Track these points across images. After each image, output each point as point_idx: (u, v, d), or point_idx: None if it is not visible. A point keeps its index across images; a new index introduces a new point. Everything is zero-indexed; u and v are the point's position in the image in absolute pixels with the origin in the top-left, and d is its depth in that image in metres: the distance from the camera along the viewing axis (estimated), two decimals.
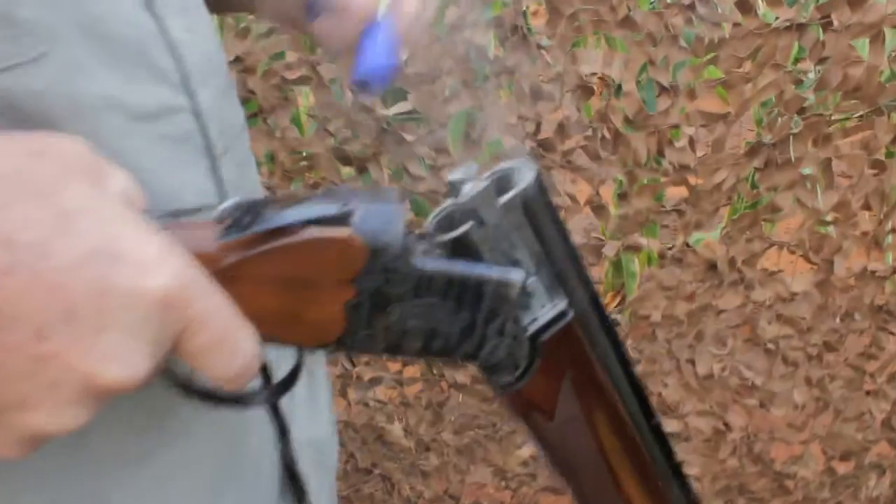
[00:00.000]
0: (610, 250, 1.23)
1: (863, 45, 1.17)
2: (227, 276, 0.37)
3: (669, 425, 1.42)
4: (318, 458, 0.63)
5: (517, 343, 0.42)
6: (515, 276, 0.40)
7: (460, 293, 0.40)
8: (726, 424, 1.42)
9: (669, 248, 1.26)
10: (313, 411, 0.61)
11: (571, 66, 1.12)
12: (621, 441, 0.48)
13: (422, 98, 1.15)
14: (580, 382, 0.46)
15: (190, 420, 0.49)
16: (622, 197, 1.21)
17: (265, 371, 0.48)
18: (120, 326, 0.32)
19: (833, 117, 1.14)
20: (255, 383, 0.41)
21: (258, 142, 1.19)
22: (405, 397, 1.47)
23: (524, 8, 1.11)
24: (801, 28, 1.08)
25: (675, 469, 0.51)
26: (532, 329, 0.42)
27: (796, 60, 1.13)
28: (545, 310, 0.43)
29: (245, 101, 1.19)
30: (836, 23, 1.08)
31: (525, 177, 0.41)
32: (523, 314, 0.42)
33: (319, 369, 0.66)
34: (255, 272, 0.37)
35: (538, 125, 1.16)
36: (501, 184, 0.41)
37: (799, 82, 1.11)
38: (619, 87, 1.14)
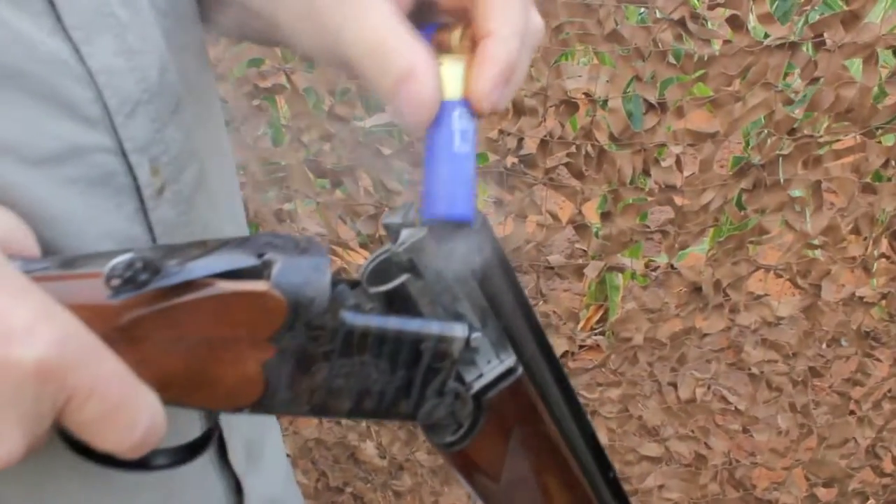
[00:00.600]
0: (592, 271, 1.19)
1: (856, 66, 1.14)
2: (124, 336, 0.33)
3: (650, 449, 1.38)
4: None
5: (460, 402, 0.39)
6: (458, 331, 0.37)
7: (395, 351, 0.36)
8: (708, 448, 1.39)
9: (653, 270, 1.22)
10: (261, 468, 0.57)
11: (556, 80, 1.08)
12: (575, 502, 0.45)
13: None
14: (529, 441, 0.42)
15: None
16: (606, 216, 1.17)
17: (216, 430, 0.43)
18: None
19: (824, 139, 1.11)
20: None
21: None
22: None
23: None
24: (793, 46, 1.04)
25: None
26: (477, 387, 0.39)
27: (786, 78, 1.09)
28: (491, 366, 0.39)
29: None
30: (829, 42, 1.04)
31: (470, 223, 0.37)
32: (467, 371, 0.39)
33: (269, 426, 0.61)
34: (158, 332, 0.33)
35: (520, 140, 1.12)
36: (441, 229, 0.36)
37: (790, 102, 1.07)
38: (605, 102, 1.11)
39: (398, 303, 0.36)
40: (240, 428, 0.53)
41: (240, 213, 0.56)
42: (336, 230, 1.24)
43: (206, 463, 0.50)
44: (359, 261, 1.28)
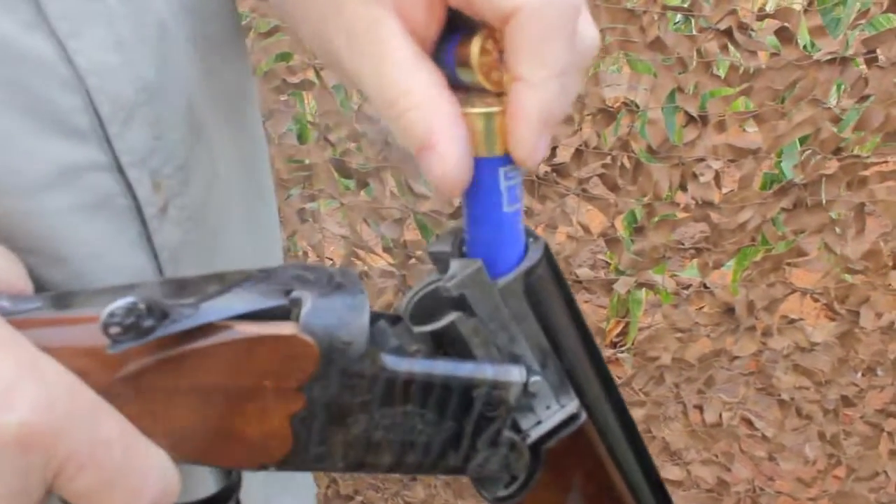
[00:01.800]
0: (622, 287, 1.15)
1: None
2: (127, 388, 0.28)
3: (671, 472, 1.34)
4: None
5: (515, 452, 0.34)
6: (515, 375, 0.32)
7: (443, 399, 0.32)
8: (732, 474, 1.34)
9: (685, 288, 1.18)
10: (286, 489, 0.53)
11: (594, 87, 1.05)
12: None
13: None
14: (592, 495, 0.38)
15: None
16: (638, 231, 1.13)
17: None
18: None
19: (870, 160, 1.06)
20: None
21: None
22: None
23: None
24: (843, 62, 1.00)
25: None
26: (535, 435, 0.35)
27: (836, 97, 1.05)
28: (551, 412, 0.35)
29: None
30: (881, 58, 1.00)
31: (529, 253, 0.33)
32: (524, 418, 0.34)
33: None
34: (167, 381, 0.29)
35: (554, 149, 1.08)
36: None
37: (837, 120, 1.03)
38: (644, 113, 1.07)
39: (446, 343, 0.32)
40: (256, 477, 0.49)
41: (272, 232, 0.51)
42: (359, 232, 1.20)
43: None
44: (379, 264, 1.25)
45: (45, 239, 0.34)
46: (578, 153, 1.08)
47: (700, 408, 1.29)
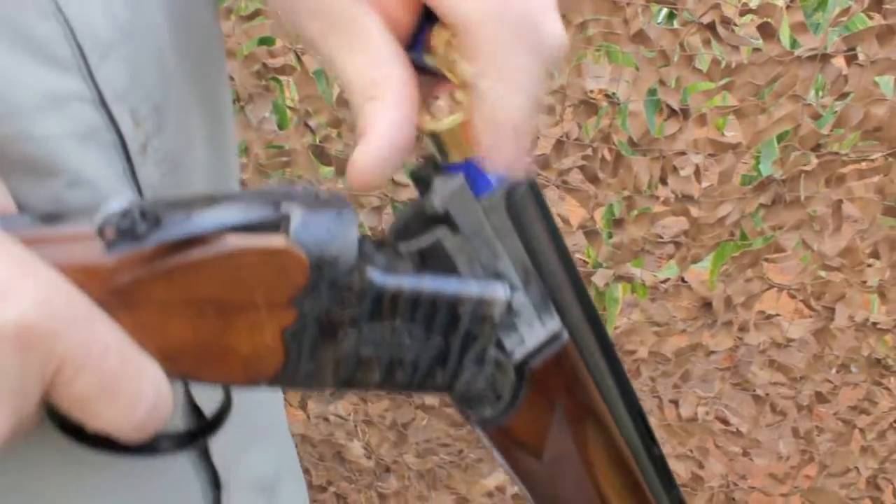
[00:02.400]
0: (600, 279, 1.15)
1: (887, 83, 1.10)
2: (122, 299, 0.28)
3: None
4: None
5: (500, 371, 0.35)
6: (499, 291, 0.33)
7: (430, 314, 0.32)
8: (705, 469, 1.35)
9: (663, 282, 1.19)
10: (255, 440, 0.53)
11: (576, 79, 1.04)
12: (621, 480, 0.41)
13: None
14: (574, 414, 0.38)
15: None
16: (617, 223, 1.13)
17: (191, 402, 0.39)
18: None
19: (849, 157, 1.07)
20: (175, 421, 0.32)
21: None
22: (368, 415, 1.38)
23: None
24: (824, 59, 1.00)
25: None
26: (519, 355, 0.35)
27: (817, 93, 1.05)
28: (534, 331, 0.35)
29: None
30: (861, 56, 1.01)
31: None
32: (508, 337, 0.35)
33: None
34: (160, 294, 0.29)
35: (535, 140, 1.08)
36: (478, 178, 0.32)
37: (817, 117, 1.04)
38: (625, 105, 1.07)
39: (432, 260, 0.32)
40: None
41: (234, 186, 0.52)
42: None
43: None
44: None
45: (29, 164, 0.34)
46: (559, 144, 1.08)
47: (675, 402, 1.30)
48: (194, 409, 0.44)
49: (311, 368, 0.32)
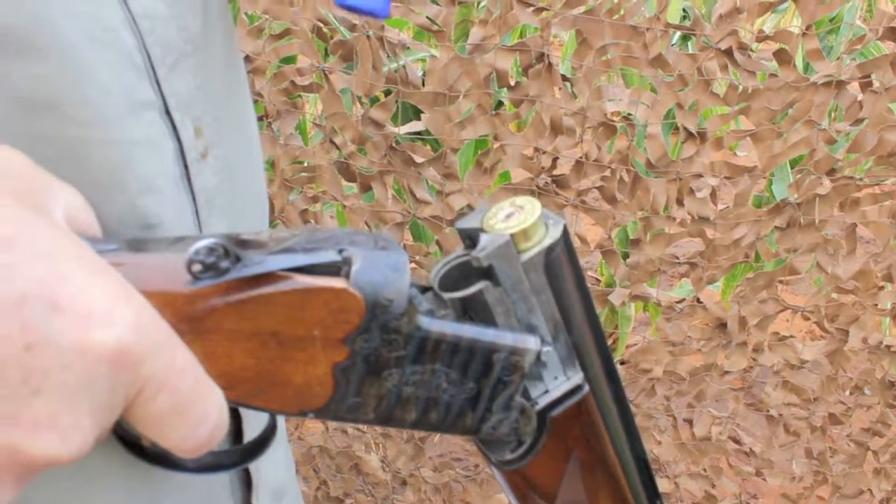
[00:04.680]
0: (617, 298, 1.17)
1: None
2: (195, 327, 0.31)
3: (659, 485, 1.35)
4: None
5: (524, 418, 0.37)
6: (531, 343, 0.35)
7: (467, 360, 0.35)
8: (718, 489, 1.36)
9: (678, 302, 1.20)
10: (270, 456, 0.55)
11: (596, 101, 1.07)
12: None
13: (435, 119, 1.09)
14: (588, 463, 0.41)
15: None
16: (634, 244, 1.15)
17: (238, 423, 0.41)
18: (56, 389, 0.26)
19: (863, 182, 1.09)
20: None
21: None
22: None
23: (552, 36, 1.06)
24: (839, 85, 1.02)
25: None
26: (542, 403, 0.38)
27: (831, 118, 1.07)
28: (558, 382, 0.38)
29: None
30: (876, 83, 1.03)
31: (550, 232, 0.36)
32: (534, 386, 0.37)
33: None
34: (230, 325, 0.31)
35: (555, 160, 1.10)
36: (519, 237, 0.35)
37: (832, 142, 1.05)
38: (643, 128, 1.09)
39: (472, 310, 0.35)
40: (258, 416, 0.51)
41: (264, 198, 0.54)
42: None
43: None
44: None
45: (111, 171, 0.36)
46: (578, 165, 1.10)
47: (690, 421, 1.31)
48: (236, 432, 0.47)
49: (356, 403, 0.34)
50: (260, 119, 1.13)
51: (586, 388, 0.38)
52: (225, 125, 0.42)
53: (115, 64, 0.35)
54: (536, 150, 1.10)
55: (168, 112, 0.38)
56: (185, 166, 0.40)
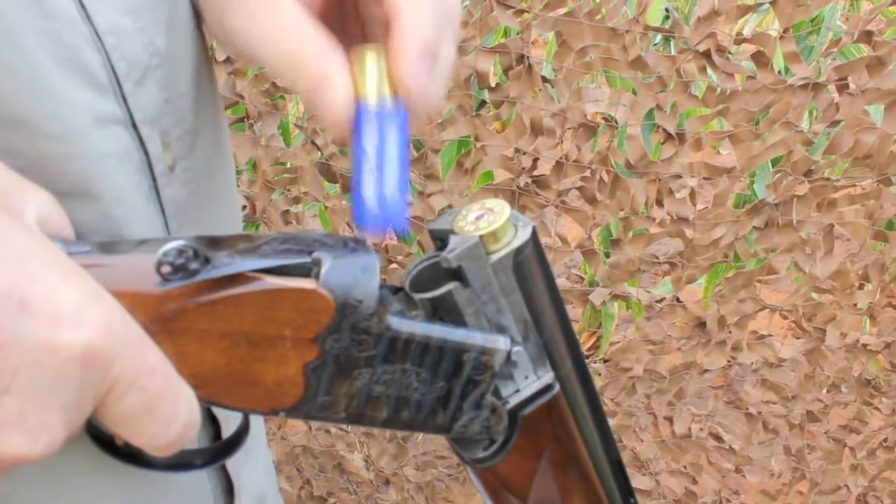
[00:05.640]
0: (597, 298, 1.18)
1: (877, 112, 1.13)
2: (165, 327, 0.31)
3: (640, 482, 1.37)
4: None
5: (495, 416, 0.38)
6: (501, 343, 0.36)
7: (437, 360, 0.35)
8: (699, 485, 1.37)
9: (658, 301, 1.21)
10: (252, 460, 0.55)
11: (576, 102, 1.08)
12: None
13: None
14: (560, 461, 0.41)
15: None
16: (614, 243, 1.16)
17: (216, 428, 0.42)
18: (25, 388, 0.26)
19: (840, 183, 1.10)
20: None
21: (241, 148, 1.13)
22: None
23: (537, 35, 1.06)
24: (816, 88, 1.03)
25: None
26: (513, 402, 0.38)
27: (809, 121, 1.09)
28: (529, 381, 0.39)
29: (232, 105, 1.14)
30: (852, 86, 1.04)
31: (519, 234, 0.36)
32: (505, 385, 0.38)
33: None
34: (200, 325, 0.32)
35: (535, 161, 1.11)
36: (488, 239, 0.36)
37: (809, 143, 1.07)
38: (623, 129, 1.10)
39: (442, 310, 0.35)
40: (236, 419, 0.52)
41: (237, 206, 0.55)
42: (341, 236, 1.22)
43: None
44: None
45: (81, 182, 0.37)
46: (559, 166, 1.11)
47: (670, 419, 1.32)
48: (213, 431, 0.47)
49: (326, 402, 0.35)
50: (241, 120, 1.13)
51: (557, 387, 0.39)
52: (194, 137, 0.43)
53: (78, 81, 0.35)
54: (517, 150, 1.11)
55: (135, 126, 0.38)
56: (154, 179, 0.40)
